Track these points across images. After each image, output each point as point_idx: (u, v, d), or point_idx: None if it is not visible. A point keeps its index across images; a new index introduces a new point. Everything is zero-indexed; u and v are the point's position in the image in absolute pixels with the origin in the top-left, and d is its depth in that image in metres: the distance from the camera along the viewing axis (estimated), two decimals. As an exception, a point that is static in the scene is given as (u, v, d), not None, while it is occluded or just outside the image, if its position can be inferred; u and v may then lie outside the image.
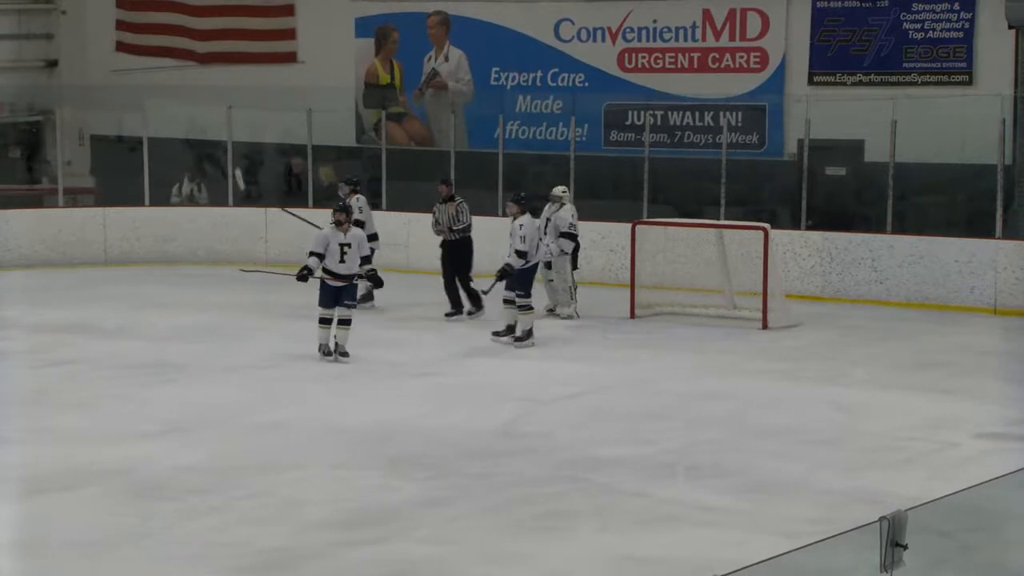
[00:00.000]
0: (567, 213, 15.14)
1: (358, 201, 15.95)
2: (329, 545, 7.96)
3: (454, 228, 15.13)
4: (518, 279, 13.82)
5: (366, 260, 13.11)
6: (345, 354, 12.80)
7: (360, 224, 15.74)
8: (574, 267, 15.21)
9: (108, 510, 8.59)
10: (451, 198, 15.38)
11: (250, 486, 9.09)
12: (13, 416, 10.94)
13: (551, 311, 15.19)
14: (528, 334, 13.74)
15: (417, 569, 7.67)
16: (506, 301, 13.87)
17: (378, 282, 13.47)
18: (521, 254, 13.81)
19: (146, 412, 11.03)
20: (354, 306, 13.04)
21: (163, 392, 11.80)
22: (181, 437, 10.28)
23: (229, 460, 9.68)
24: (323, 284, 12.99)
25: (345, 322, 12.86)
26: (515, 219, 14.00)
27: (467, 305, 15.02)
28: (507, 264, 13.85)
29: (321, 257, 12.92)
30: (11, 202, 21.75)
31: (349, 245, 12.91)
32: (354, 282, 13.04)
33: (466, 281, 15.06)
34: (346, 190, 16.17)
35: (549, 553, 7.86)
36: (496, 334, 13.85)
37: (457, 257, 15.12)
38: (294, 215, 16.20)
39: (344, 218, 13.05)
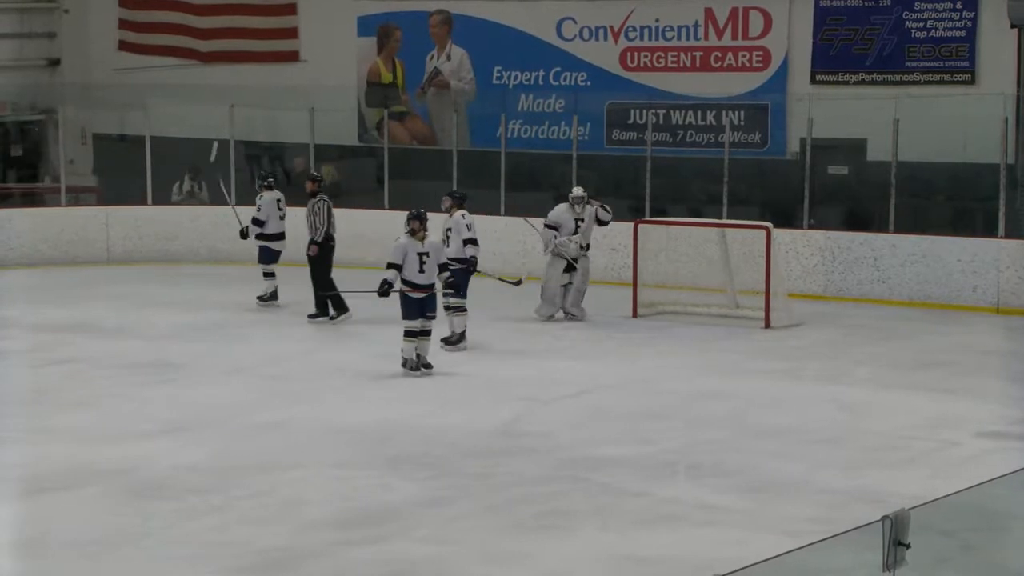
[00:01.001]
0: (604, 215, 15.10)
1: (260, 199, 15.98)
2: (329, 545, 7.95)
3: (311, 233, 14.92)
4: (457, 276, 13.25)
5: (443, 268, 12.46)
6: (428, 365, 12.33)
7: (259, 223, 15.80)
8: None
9: (108, 510, 8.58)
10: (313, 195, 15.15)
11: (250, 486, 9.07)
12: (13, 415, 10.93)
13: (550, 317, 14.98)
14: (461, 336, 13.37)
15: (417, 569, 7.66)
16: (447, 308, 13.40)
17: (457, 290, 12.80)
18: (475, 242, 13.53)
19: (146, 411, 11.03)
20: (435, 317, 12.46)
21: (163, 391, 11.79)
22: (181, 437, 10.27)
23: (229, 460, 9.67)
24: (405, 297, 12.34)
25: (426, 333, 12.37)
26: (452, 214, 13.69)
27: (328, 309, 14.82)
28: (472, 257, 13.54)
29: (399, 268, 12.30)
30: (13, 201, 21.78)
31: (427, 254, 12.31)
32: (434, 292, 12.46)
33: (330, 283, 14.87)
34: (258, 184, 16.18)
35: (549, 553, 7.84)
36: (444, 340, 13.35)
37: (316, 259, 14.90)
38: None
39: (418, 226, 12.33)
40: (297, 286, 15.46)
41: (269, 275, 15.97)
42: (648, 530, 8.27)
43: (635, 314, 15.29)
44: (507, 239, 17.97)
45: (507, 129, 19.12)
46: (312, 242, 14.92)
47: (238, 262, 19.05)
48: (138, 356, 13.19)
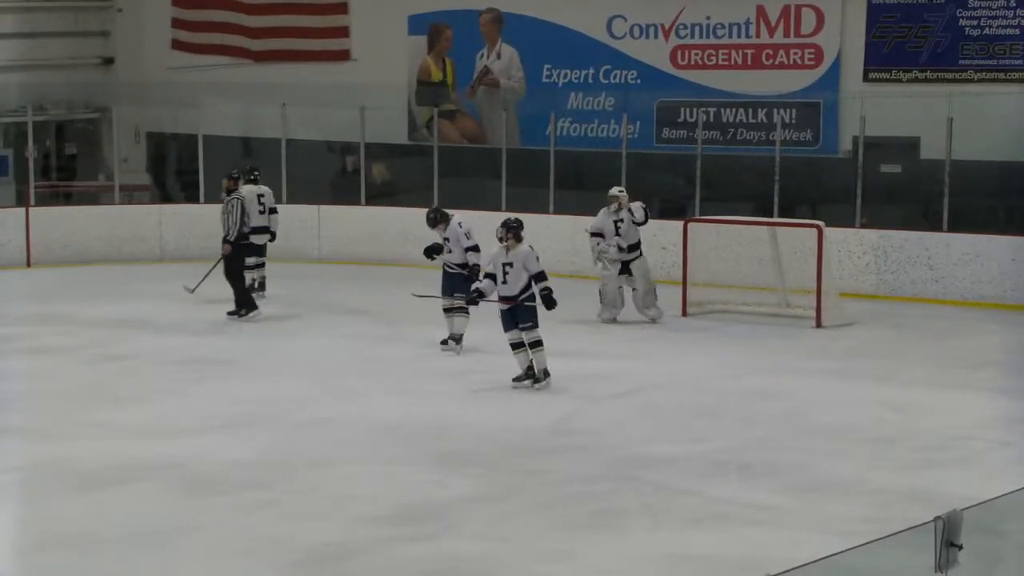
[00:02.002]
0: (639, 204, 14.74)
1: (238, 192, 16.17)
2: (380, 541, 7.98)
3: (225, 231, 14.95)
4: (457, 283, 13.12)
5: (539, 278, 11.76)
6: (536, 379, 11.70)
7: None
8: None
9: (161, 505, 8.65)
10: (228, 192, 15.17)
11: (301, 481, 9.13)
12: (68, 410, 11.04)
13: (649, 319, 14.81)
14: (459, 338, 13.16)
15: (467, 566, 7.67)
16: (446, 310, 13.24)
17: (550, 304, 11.70)
18: (477, 248, 13.09)
19: (198, 407, 11.12)
20: (533, 326, 11.71)
21: (215, 387, 11.88)
22: (234, 432, 10.34)
23: (281, 455, 9.73)
24: (500, 309, 11.91)
25: (536, 344, 11.69)
26: (444, 229, 13.30)
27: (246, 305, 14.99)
28: (475, 265, 13.05)
29: (493, 278, 11.78)
30: (68, 199, 22.02)
31: (511, 264, 11.70)
32: (522, 302, 11.73)
33: (242, 281, 15.02)
34: (231, 184, 16.43)
35: (599, 551, 7.83)
36: (445, 342, 13.26)
37: (230, 257, 14.96)
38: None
39: (503, 234, 11.79)
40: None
41: (248, 268, 16.28)
42: (698, 529, 8.24)
43: (685, 313, 15.25)
44: (556, 238, 17.99)
45: (556, 127, 19.13)
46: (225, 240, 14.98)
47: (289, 260, 19.20)
48: (191, 352, 13.31)
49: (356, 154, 20.36)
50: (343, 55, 22.12)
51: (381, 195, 20.67)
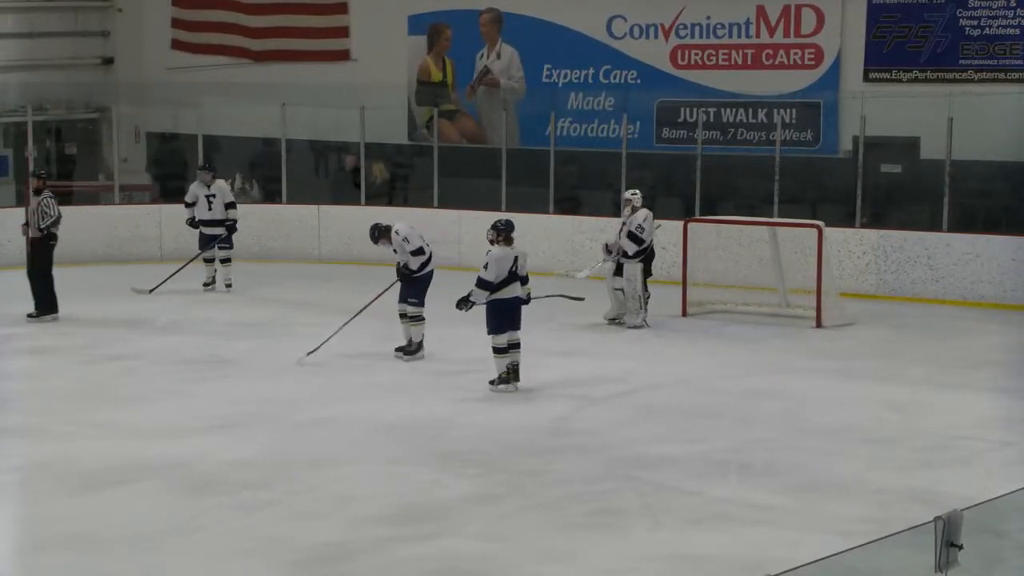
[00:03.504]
0: (640, 217, 14.50)
1: (215, 185, 16.86)
2: (380, 541, 7.98)
3: (40, 226, 14.83)
4: (412, 287, 13.05)
5: (477, 280, 11.77)
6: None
7: (235, 205, 16.87)
8: (648, 275, 14.63)
9: (162, 505, 8.65)
10: (38, 192, 15.10)
11: (302, 481, 9.13)
12: (68, 411, 11.04)
13: (613, 320, 14.74)
14: (419, 346, 13.04)
15: (467, 566, 7.67)
16: (402, 315, 13.12)
17: (458, 304, 11.92)
18: (422, 251, 12.97)
19: (199, 407, 11.12)
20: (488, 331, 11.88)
21: (216, 387, 11.88)
22: (234, 432, 10.34)
23: (281, 455, 9.73)
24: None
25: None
26: (388, 243, 13.07)
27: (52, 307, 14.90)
28: (405, 266, 13.05)
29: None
30: (68, 199, 21.99)
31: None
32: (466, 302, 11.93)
33: (50, 282, 14.89)
34: (208, 176, 16.88)
35: (600, 551, 7.83)
36: (399, 350, 13.15)
37: (40, 257, 14.86)
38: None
39: (493, 236, 11.82)
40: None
41: (211, 261, 16.66)
42: (699, 529, 8.25)
43: (684, 313, 15.25)
44: (556, 238, 18.00)
45: (556, 127, 19.13)
46: (41, 233, 14.82)
47: (289, 260, 19.22)
48: (191, 352, 13.31)
49: (356, 154, 20.35)
50: (343, 55, 22.12)
51: (380, 195, 20.68)
